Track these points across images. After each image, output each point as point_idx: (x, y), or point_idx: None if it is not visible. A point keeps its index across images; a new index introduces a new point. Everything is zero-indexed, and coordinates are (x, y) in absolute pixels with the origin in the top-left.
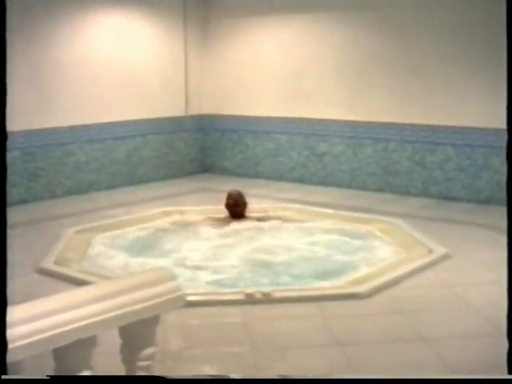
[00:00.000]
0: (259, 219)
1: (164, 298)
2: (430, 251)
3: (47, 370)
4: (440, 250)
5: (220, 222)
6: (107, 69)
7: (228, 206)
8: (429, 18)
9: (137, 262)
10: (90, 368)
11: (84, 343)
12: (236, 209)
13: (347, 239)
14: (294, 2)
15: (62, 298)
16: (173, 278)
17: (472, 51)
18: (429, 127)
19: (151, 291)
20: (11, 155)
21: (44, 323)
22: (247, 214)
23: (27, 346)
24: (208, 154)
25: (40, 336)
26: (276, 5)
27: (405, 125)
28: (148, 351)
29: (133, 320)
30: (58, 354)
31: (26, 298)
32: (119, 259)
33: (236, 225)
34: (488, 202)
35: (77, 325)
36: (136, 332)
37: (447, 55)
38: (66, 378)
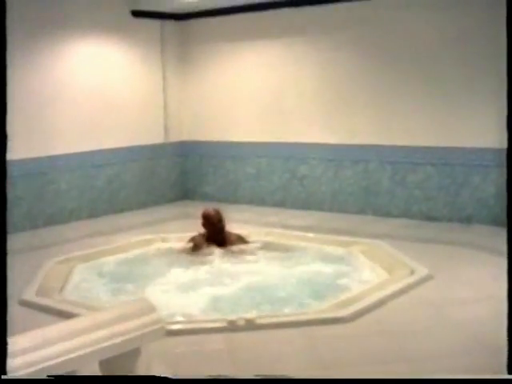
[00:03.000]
0: (241, 240)
1: (145, 331)
2: (413, 272)
3: None
4: (422, 271)
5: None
6: (86, 97)
7: (204, 225)
8: (407, 39)
9: (118, 291)
10: None
11: None
12: (212, 228)
13: (329, 262)
14: (271, 27)
15: (41, 333)
16: (153, 309)
17: (451, 71)
18: (408, 148)
19: (132, 324)
20: None
21: (23, 360)
22: (228, 233)
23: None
24: (188, 179)
25: (20, 372)
26: (254, 29)
27: (384, 146)
28: None
29: (113, 353)
30: None
31: (9, 330)
32: (101, 289)
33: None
34: (469, 220)
35: (56, 360)
36: (116, 365)
37: (426, 76)
38: (65, 378)
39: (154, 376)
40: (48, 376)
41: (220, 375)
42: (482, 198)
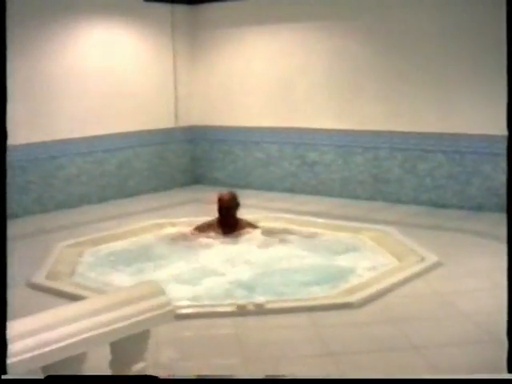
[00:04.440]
0: (251, 226)
1: (154, 313)
2: (422, 259)
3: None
4: (432, 258)
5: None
6: (96, 81)
7: (219, 209)
8: (417, 25)
9: (128, 275)
10: None
11: (74, 359)
12: (226, 212)
13: (339, 248)
14: (282, 12)
15: (51, 315)
16: (162, 292)
17: (461, 58)
18: (419, 135)
19: (141, 306)
20: None
21: (33, 341)
22: (238, 219)
23: (15, 364)
24: (198, 165)
25: (29, 354)
26: (264, 15)
27: (395, 133)
28: (138, 366)
29: (123, 335)
30: (47, 371)
31: (18, 313)
32: (110, 273)
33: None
34: (479, 208)
35: (66, 342)
36: (126, 347)
37: (436, 62)
38: (65, 378)
39: (154, 376)
40: (54, 366)
41: (220, 375)
42: (492, 186)
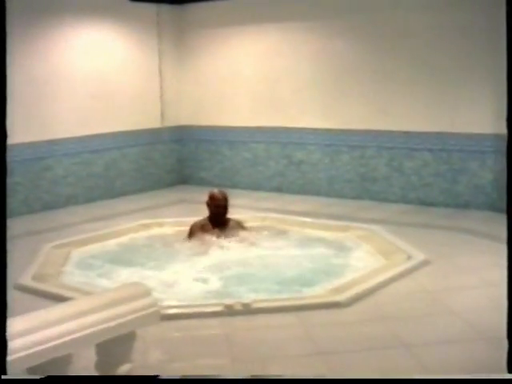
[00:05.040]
0: (239, 225)
1: (139, 314)
2: (409, 257)
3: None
4: (419, 256)
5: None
6: (83, 82)
7: (209, 206)
8: (404, 25)
9: (115, 276)
10: None
11: (60, 361)
12: (218, 210)
13: (326, 248)
14: (269, 12)
15: (37, 316)
16: (148, 293)
17: (448, 57)
18: (405, 133)
19: (127, 307)
20: None
21: (19, 343)
22: (229, 218)
23: None
24: (185, 165)
25: (15, 355)
26: (251, 15)
27: (381, 131)
28: (124, 368)
29: (108, 337)
30: (33, 372)
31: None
32: (97, 274)
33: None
34: (466, 206)
35: (52, 343)
36: (112, 348)
37: (422, 61)
38: (65, 378)
39: (153, 376)
40: (46, 371)
41: (219, 375)
42: (479, 184)
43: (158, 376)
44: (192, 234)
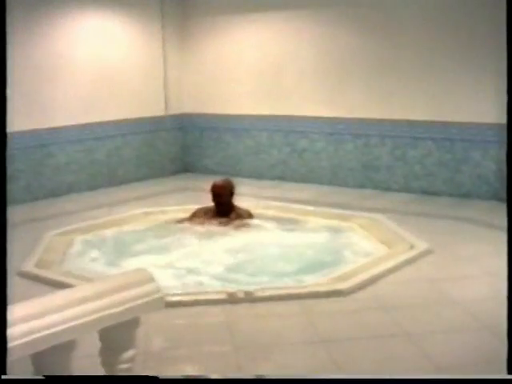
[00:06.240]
0: (245, 213)
1: (143, 300)
2: (412, 246)
3: (25, 373)
4: (422, 245)
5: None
6: (86, 69)
7: (212, 196)
8: (407, 13)
9: (118, 263)
10: (69, 372)
11: (63, 347)
12: (219, 200)
13: (329, 236)
14: (272, 0)
15: (40, 302)
16: (152, 279)
17: (451, 46)
18: (409, 122)
19: (130, 293)
20: None
21: (22, 329)
22: (235, 207)
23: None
24: (188, 153)
25: (18, 341)
26: (255, 2)
27: (385, 120)
28: (128, 354)
29: (112, 323)
30: (36, 358)
31: (8, 302)
32: (100, 261)
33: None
34: (469, 195)
35: (56, 329)
36: (116, 335)
37: (426, 50)
38: (65, 378)
39: (153, 376)
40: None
41: (219, 375)
42: (482, 173)
43: (157, 376)
44: (194, 216)
